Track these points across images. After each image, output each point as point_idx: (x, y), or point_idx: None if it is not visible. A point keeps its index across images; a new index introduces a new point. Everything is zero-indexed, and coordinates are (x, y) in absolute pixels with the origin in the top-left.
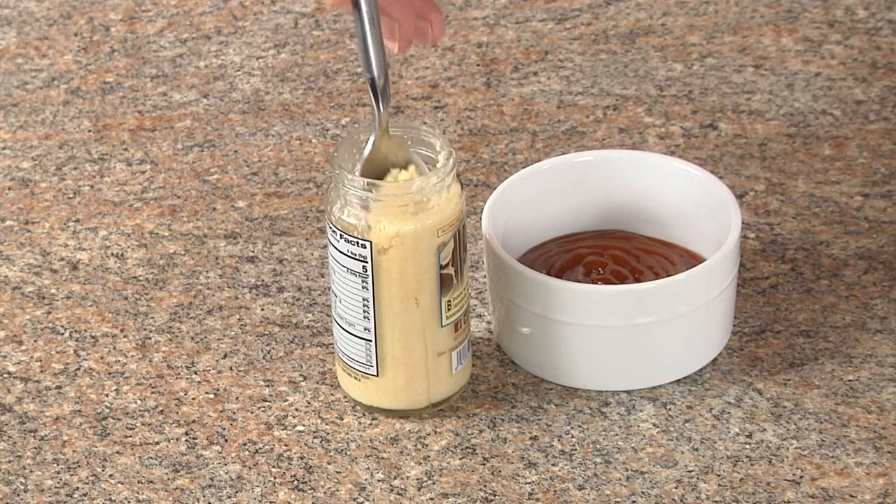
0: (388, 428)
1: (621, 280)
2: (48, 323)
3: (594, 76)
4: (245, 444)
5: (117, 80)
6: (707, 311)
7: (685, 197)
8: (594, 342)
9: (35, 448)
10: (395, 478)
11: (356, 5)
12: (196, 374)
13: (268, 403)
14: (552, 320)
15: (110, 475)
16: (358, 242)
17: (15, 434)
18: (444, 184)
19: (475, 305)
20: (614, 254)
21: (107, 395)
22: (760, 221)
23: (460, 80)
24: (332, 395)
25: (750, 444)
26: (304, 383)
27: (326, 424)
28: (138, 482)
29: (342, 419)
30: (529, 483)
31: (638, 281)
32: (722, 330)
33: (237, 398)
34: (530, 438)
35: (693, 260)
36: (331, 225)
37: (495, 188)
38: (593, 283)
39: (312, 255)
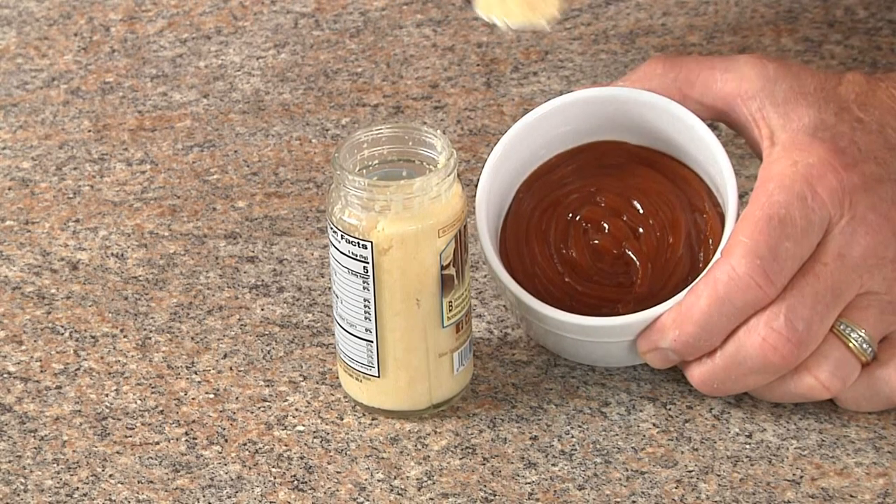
0: (388, 428)
1: (618, 245)
2: (48, 323)
3: (594, 76)
4: (245, 444)
5: (117, 80)
6: None
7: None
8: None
9: (35, 448)
10: (395, 478)
11: None
12: (196, 374)
13: (268, 403)
14: (552, 332)
15: (110, 475)
16: (359, 243)
17: (15, 434)
18: (445, 184)
19: (475, 305)
20: (608, 198)
21: (107, 395)
22: None
23: (460, 80)
24: (332, 395)
25: (750, 444)
26: (304, 383)
27: (326, 424)
28: (138, 482)
29: (342, 419)
30: (529, 483)
31: (637, 240)
32: None
33: (237, 398)
34: (530, 438)
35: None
36: (332, 225)
37: None
38: (591, 244)
39: (312, 255)
